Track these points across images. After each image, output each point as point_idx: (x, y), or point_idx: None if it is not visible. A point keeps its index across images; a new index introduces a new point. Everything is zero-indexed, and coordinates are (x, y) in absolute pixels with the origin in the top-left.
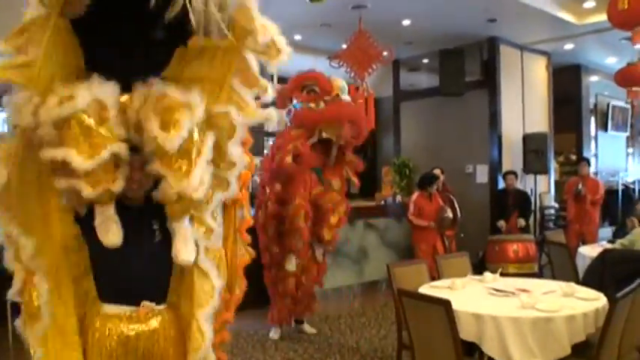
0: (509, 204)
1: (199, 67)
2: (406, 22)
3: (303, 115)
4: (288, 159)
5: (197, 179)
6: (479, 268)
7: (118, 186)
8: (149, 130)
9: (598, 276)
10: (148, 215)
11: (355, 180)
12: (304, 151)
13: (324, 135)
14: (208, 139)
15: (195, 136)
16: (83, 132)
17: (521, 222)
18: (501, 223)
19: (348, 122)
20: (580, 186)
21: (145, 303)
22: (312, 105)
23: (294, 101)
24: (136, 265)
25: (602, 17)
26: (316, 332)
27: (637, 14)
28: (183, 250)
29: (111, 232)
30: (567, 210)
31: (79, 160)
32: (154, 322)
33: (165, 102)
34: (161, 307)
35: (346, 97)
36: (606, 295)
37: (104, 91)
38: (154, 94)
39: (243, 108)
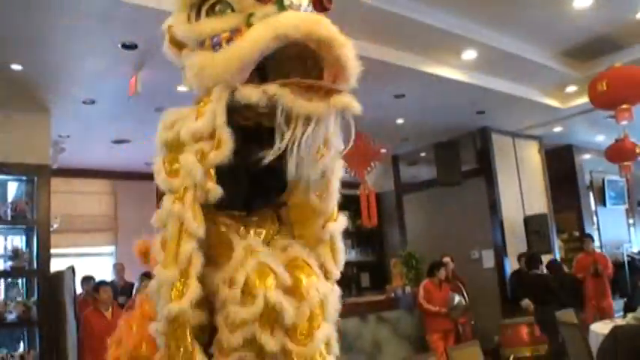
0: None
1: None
2: (400, 121)
3: None
4: None
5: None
6: (495, 354)
7: None
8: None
9: (612, 354)
10: None
11: None
12: None
13: None
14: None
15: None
16: None
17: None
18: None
19: None
20: (597, 265)
21: None
22: None
23: None
24: None
25: (586, 99)
26: None
27: (616, 94)
28: None
29: None
30: (585, 287)
31: None
32: None
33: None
34: None
35: None
36: None
37: None
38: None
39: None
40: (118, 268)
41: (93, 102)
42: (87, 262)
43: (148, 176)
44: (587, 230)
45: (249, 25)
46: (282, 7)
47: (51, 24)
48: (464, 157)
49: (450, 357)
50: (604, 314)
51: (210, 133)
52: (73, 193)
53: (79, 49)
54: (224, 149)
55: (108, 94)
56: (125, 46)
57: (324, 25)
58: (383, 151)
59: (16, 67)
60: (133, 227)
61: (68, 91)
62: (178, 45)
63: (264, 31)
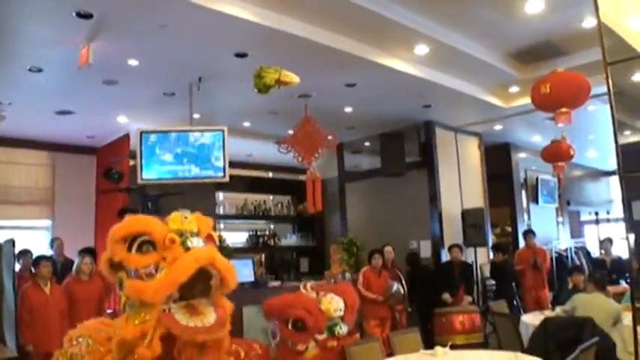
0: (455, 276)
1: None
2: (348, 109)
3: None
4: None
5: None
6: (428, 341)
7: None
8: None
9: (542, 344)
10: None
11: None
12: None
13: None
14: None
15: None
16: None
17: (468, 299)
18: (446, 296)
19: None
20: (537, 258)
21: None
22: (302, 348)
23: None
24: None
25: (527, 100)
26: None
27: (558, 98)
28: None
29: None
30: (525, 278)
31: None
32: None
33: None
34: None
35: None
36: None
37: None
38: None
39: None
40: (58, 244)
41: (39, 70)
42: (22, 235)
43: (88, 150)
44: (520, 226)
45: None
46: (187, 248)
47: None
48: (407, 149)
49: (391, 343)
50: (540, 304)
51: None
52: (9, 163)
53: (31, 13)
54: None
55: (56, 63)
56: (80, 15)
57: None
58: (330, 137)
59: None
60: (71, 201)
61: (14, 56)
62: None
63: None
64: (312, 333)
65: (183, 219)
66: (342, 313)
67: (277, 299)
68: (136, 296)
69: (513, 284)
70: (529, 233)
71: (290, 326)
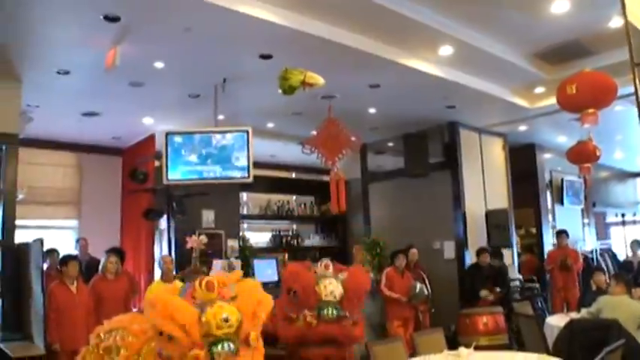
0: (483, 279)
1: None
2: (372, 110)
3: (280, 324)
4: None
5: None
6: (451, 342)
7: None
8: None
9: (567, 345)
10: None
11: None
12: None
13: None
14: None
15: None
16: None
17: (497, 289)
18: (485, 293)
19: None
20: (568, 259)
21: None
22: (293, 316)
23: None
24: None
25: (552, 101)
26: None
27: (584, 98)
28: None
29: None
30: (554, 279)
31: None
32: None
33: None
34: None
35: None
36: None
37: None
38: None
39: None
40: (82, 244)
41: (67, 72)
42: (48, 234)
43: (114, 151)
44: (545, 227)
45: None
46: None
47: None
48: (431, 149)
49: (414, 343)
50: (570, 305)
51: None
52: (37, 164)
53: (59, 17)
54: None
55: (83, 66)
56: (107, 18)
57: None
58: (353, 138)
59: None
60: (97, 201)
61: (42, 59)
62: None
63: None
64: (303, 307)
65: (223, 322)
66: (336, 299)
67: (291, 267)
68: None
69: (537, 285)
70: (562, 234)
71: (291, 295)
